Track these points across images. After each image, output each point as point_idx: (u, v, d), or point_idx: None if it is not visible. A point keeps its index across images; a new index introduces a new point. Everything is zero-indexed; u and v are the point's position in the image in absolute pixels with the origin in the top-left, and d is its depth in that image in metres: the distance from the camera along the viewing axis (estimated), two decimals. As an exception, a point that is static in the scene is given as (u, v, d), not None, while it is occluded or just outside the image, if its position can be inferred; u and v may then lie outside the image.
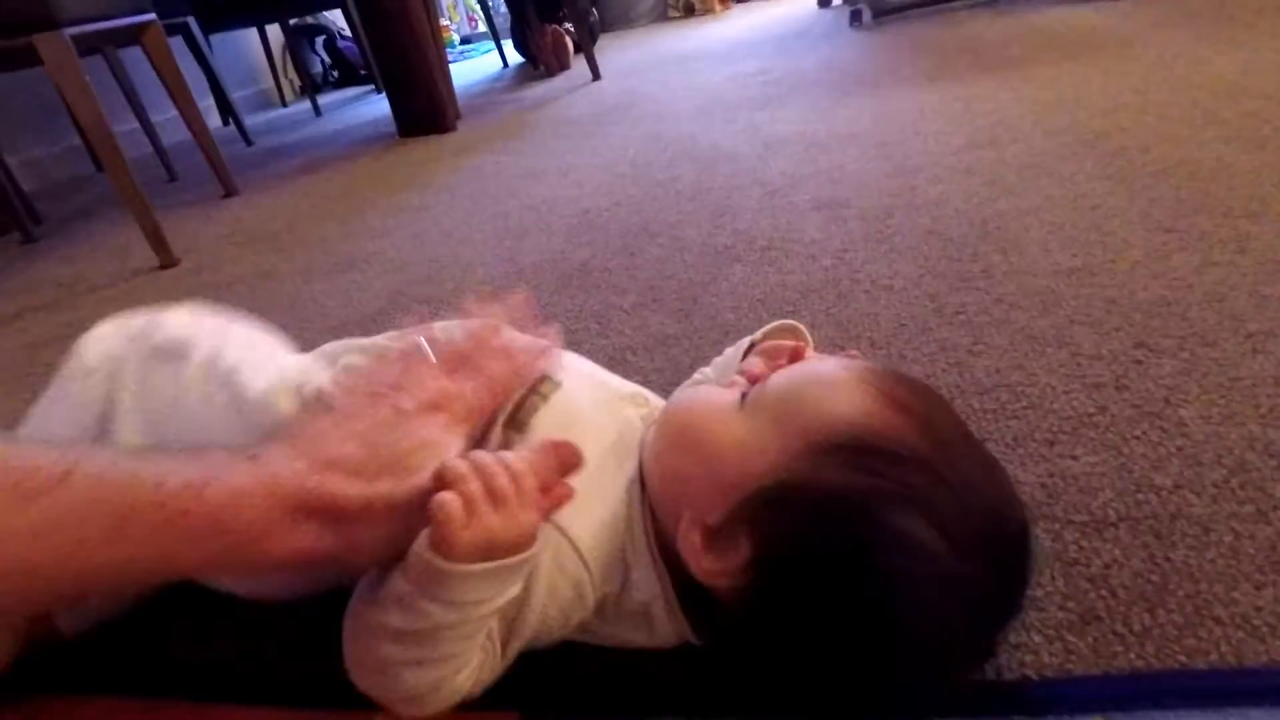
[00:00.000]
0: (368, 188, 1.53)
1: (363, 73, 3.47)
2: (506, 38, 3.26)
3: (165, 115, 2.04)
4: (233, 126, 2.47)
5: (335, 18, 3.48)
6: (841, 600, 0.31)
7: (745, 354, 0.46)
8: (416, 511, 0.31)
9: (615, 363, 0.66)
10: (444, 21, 4.13)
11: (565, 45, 2.72)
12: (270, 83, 3.36)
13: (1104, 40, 1.59)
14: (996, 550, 0.31)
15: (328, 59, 3.60)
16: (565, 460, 0.34)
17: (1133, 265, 0.68)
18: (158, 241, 1.21)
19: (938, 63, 1.69)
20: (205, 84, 2.43)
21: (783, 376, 0.37)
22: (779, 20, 3.09)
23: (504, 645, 0.35)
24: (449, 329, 0.41)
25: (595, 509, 0.36)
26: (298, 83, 3.48)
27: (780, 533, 0.32)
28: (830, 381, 0.36)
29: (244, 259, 1.19)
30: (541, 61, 2.80)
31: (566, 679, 0.38)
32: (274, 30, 3.10)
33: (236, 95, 2.71)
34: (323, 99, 3.07)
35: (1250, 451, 0.44)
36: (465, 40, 4.76)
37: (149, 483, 0.27)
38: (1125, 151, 0.94)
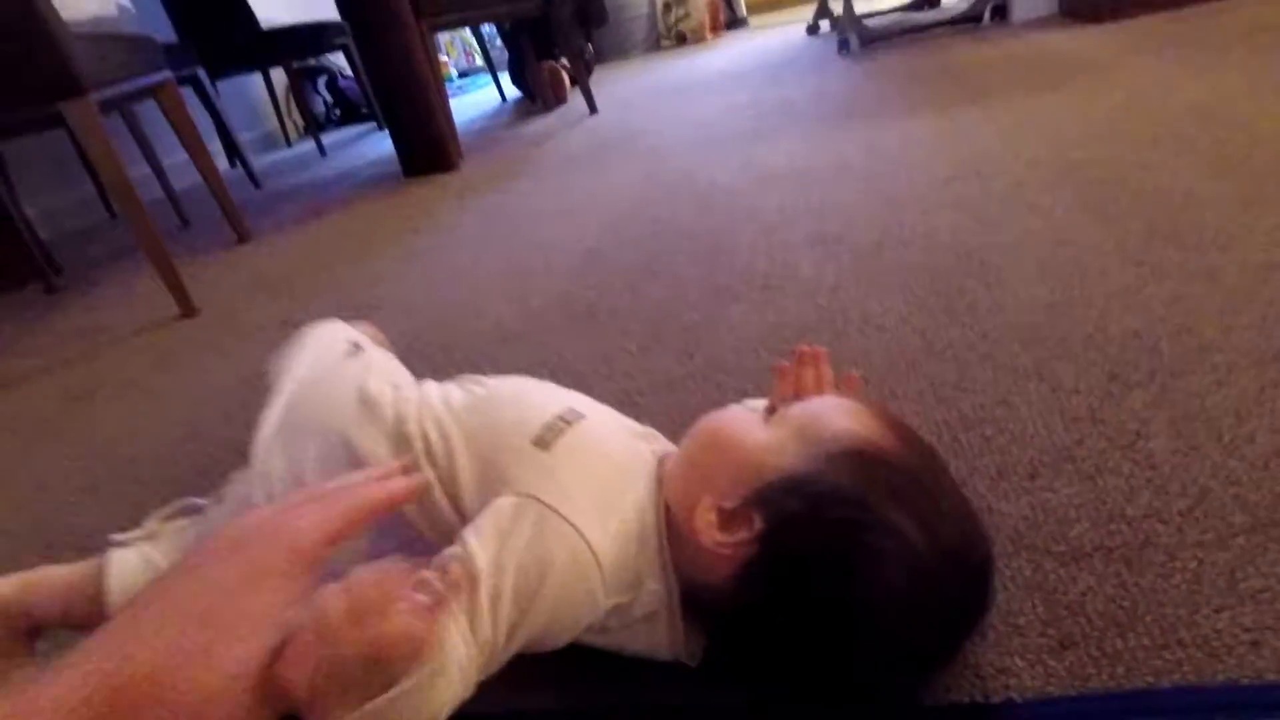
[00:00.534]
0: (377, 230, 1.58)
1: (364, 110, 3.56)
2: (503, 69, 3.35)
3: (175, 159, 2.10)
4: (240, 168, 2.53)
5: (336, 57, 3.57)
6: (831, 577, 0.36)
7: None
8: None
9: (624, 405, 0.70)
10: (442, 57, 4.23)
11: (561, 80, 2.80)
12: (274, 124, 3.44)
13: (1080, 67, 1.64)
14: (965, 566, 0.37)
15: (330, 98, 3.68)
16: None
17: (1107, 299, 0.72)
18: (179, 293, 1.26)
19: (923, 92, 1.75)
20: (213, 127, 2.51)
21: (804, 403, 0.44)
22: (769, 49, 3.17)
23: (510, 631, 0.36)
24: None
25: (610, 520, 0.40)
26: (301, 122, 3.57)
27: (787, 513, 0.37)
28: (845, 409, 0.42)
29: (262, 307, 1.23)
30: (539, 96, 2.88)
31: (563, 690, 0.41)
32: (277, 72, 3.19)
33: (243, 136, 2.78)
34: (326, 138, 3.15)
35: (1213, 480, 0.48)
36: (463, 74, 4.87)
37: None
38: (1101, 183, 0.99)
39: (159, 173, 2.09)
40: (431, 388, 0.51)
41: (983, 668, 0.39)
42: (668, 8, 3.93)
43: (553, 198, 1.53)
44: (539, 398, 0.49)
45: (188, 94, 1.99)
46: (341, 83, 3.64)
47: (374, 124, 3.29)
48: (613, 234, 1.22)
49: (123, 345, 1.19)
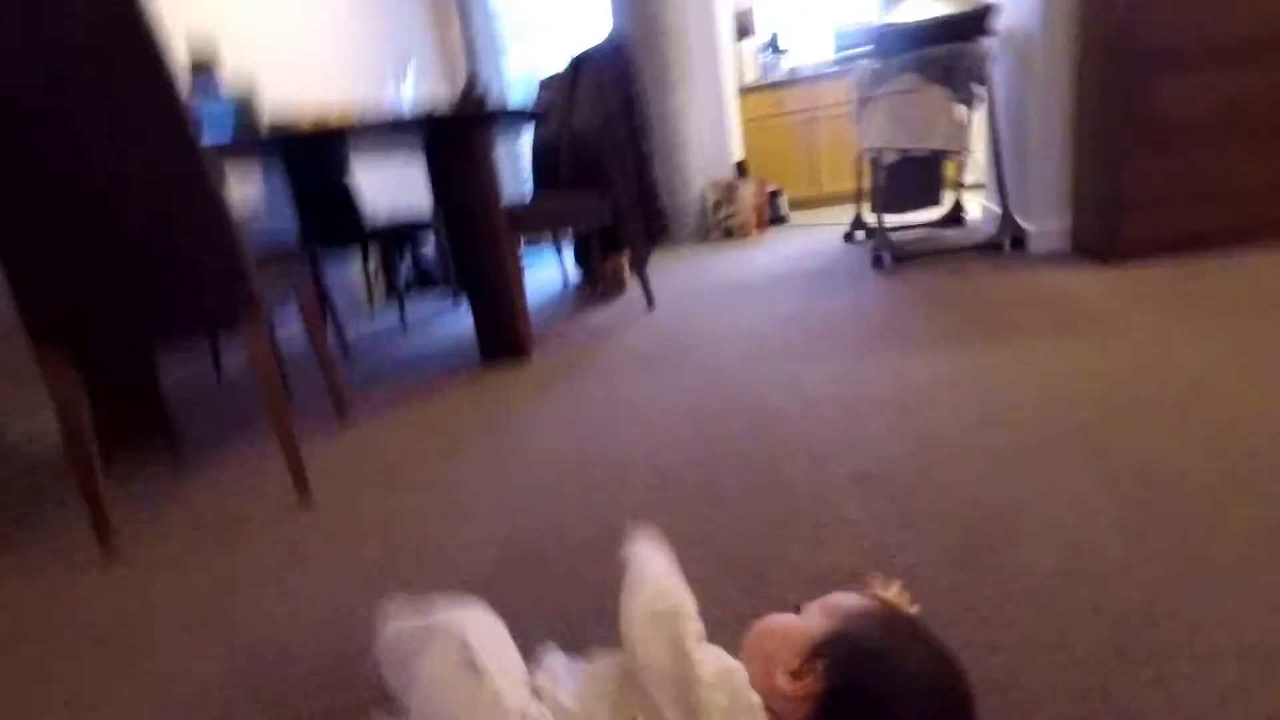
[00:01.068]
0: (464, 421, 1.80)
1: (439, 282, 4.00)
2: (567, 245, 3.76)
3: (285, 329, 2.40)
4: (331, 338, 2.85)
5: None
6: (878, 682, 0.56)
7: None
8: None
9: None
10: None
11: (622, 276, 3.15)
12: (362, 291, 3.86)
13: (1089, 313, 1.87)
14: (953, 668, 0.58)
15: (411, 270, 4.14)
16: None
17: (1110, 571, 0.85)
18: (300, 481, 1.45)
19: (949, 323, 1.98)
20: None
21: (820, 599, 0.66)
22: (809, 252, 3.53)
23: None
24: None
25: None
26: (383, 287, 4.00)
27: (837, 654, 0.57)
28: (847, 595, 0.65)
29: (369, 499, 1.41)
30: (600, 283, 3.23)
31: None
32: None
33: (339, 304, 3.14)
34: (406, 306, 3.52)
35: (1197, 768, 0.59)
36: (528, 240, 5.40)
37: None
38: (1105, 450, 1.15)
39: (274, 347, 2.39)
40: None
41: None
42: (718, 205, 4.41)
43: (619, 402, 1.74)
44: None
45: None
46: (423, 258, 4.10)
47: (448, 295, 3.70)
48: (677, 451, 1.40)
49: (252, 529, 1.36)
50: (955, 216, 3.54)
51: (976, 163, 4.55)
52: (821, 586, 0.91)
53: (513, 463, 1.47)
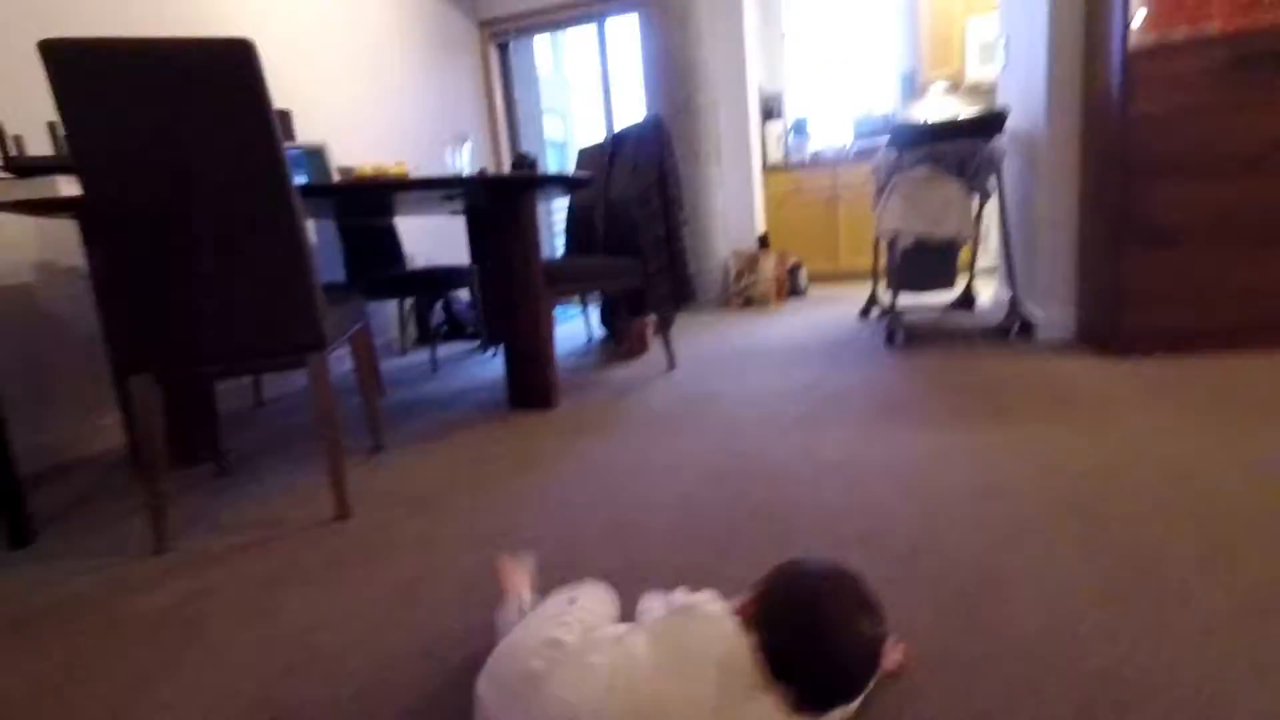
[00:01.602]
0: (494, 460, 1.91)
1: (469, 330, 4.17)
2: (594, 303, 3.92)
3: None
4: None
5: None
6: (792, 607, 0.79)
7: None
8: None
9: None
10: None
11: (646, 337, 3.30)
12: (394, 333, 4.04)
13: (1089, 401, 1.97)
14: (866, 594, 0.83)
15: (444, 316, 4.32)
16: None
17: (1088, 632, 0.94)
18: (340, 496, 1.57)
19: (955, 402, 2.09)
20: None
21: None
22: (825, 325, 3.67)
23: None
24: None
25: None
26: (415, 333, 4.17)
27: (769, 593, 0.82)
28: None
29: (403, 521, 1.53)
30: (624, 342, 3.38)
31: None
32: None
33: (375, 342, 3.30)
34: (437, 351, 3.68)
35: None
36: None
37: None
38: (1097, 523, 1.25)
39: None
40: None
41: None
42: (740, 275, 4.59)
43: (642, 455, 1.85)
44: None
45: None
46: (455, 306, 4.29)
47: (477, 344, 3.86)
48: (693, 507, 1.51)
49: (294, 537, 1.48)
50: (967, 300, 3.68)
51: (989, 249, 4.74)
52: (825, 630, 1.01)
53: (538, 499, 1.58)
